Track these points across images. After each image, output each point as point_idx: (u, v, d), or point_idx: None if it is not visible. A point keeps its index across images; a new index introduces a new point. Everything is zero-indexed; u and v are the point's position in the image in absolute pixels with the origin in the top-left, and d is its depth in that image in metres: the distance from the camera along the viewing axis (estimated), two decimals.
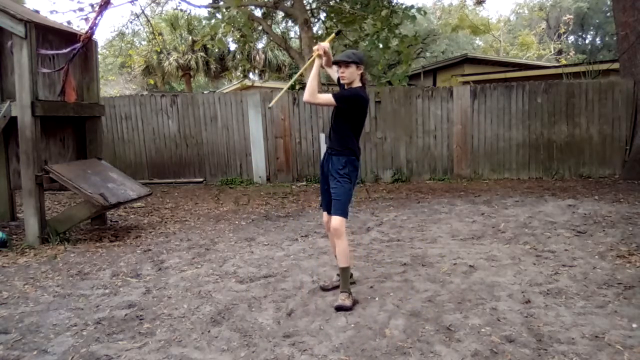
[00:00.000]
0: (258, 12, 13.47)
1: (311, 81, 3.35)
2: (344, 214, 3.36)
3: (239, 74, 24.43)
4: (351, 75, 3.35)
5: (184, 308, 3.37)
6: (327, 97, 3.34)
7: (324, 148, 9.60)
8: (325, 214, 3.65)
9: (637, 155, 8.67)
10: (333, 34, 4.04)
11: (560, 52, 28.75)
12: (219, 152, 9.92)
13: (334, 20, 10.81)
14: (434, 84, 15.85)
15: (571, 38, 33.61)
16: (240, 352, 2.72)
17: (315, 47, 3.44)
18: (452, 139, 9.43)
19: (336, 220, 3.34)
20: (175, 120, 9.92)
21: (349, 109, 3.35)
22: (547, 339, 2.74)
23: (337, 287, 3.52)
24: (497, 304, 3.27)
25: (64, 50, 5.18)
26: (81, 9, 9.05)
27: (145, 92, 20.20)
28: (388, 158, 9.47)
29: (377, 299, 3.43)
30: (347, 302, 3.26)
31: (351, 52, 3.45)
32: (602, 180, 8.67)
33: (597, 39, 33.40)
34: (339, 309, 3.22)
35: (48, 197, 7.81)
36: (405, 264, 4.22)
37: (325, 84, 17.34)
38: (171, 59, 22.86)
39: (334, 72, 3.57)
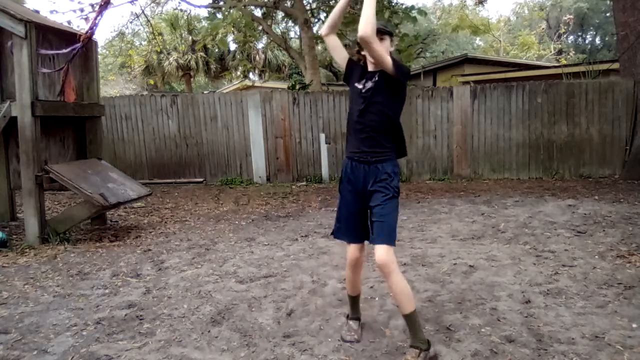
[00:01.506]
0: (258, 12, 13.48)
1: (368, 10, 2.36)
2: (391, 240, 2.48)
3: (239, 74, 24.46)
4: (386, 53, 2.50)
5: (184, 308, 3.37)
6: (386, 54, 2.46)
7: (324, 148, 9.66)
8: (353, 246, 2.72)
9: (637, 155, 8.66)
10: None
11: (560, 52, 28.77)
12: (219, 152, 9.92)
13: None
14: (434, 84, 15.85)
15: (571, 38, 33.63)
16: (240, 352, 2.72)
17: None
18: (452, 139, 9.43)
19: (382, 252, 2.43)
20: (175, 121, 9.92)
21: (401, 87, 2.55)
22: (547, 339, 2.74)
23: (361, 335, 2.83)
24: (497, 304, 3.27)
25: (64, 50, 5.18)
26: (81, 9, 9.06)
27: (145, 92, 20.22)
28: None
29: (377, 299, 3.43)
30: None
31: (382, 22, 2.61)
32: (602, 180, 8.66)
33: (597, 39, 33.41)
34: None
35: (48, 197, 7.81)
36: (405, 264, 4.22)
37: (325, 84, 17.34)
38: (171, 59, 22.88)
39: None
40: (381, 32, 2.50)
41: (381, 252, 2.45)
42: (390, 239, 2.48)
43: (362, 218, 2.67)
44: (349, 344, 2.75)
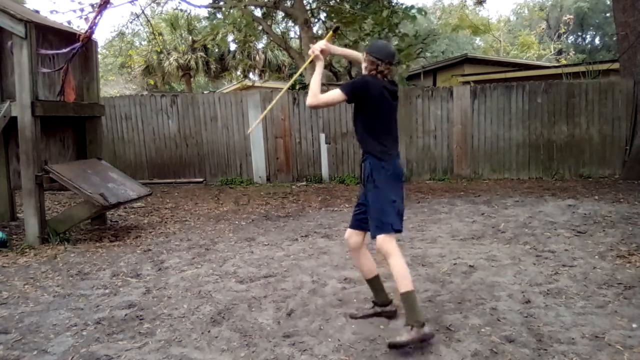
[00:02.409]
0: (258, 12, 13.47)
1: (312, 84, 2.95)
2: (380, 229, 2.81)
3: (239, 74, 24.46)
4: (364, 70, 2.98)
5: (184, 308, 3.37)
6: (332, 92, 2.89)
7: (324, 148, 9.66)
8: (348, 230, 3.17)
9: (637, 155, 8.66)
10: (330, 32, 3.40)
11: (560, 52, 28.78)
12: (219, 152, 9.92)
13: (334, 20, 10.83)
14: (434, 84, 15.84)
15: (571, 38, 33.63)
16: (240, 352, 2.72)
17: (310, 51, 3.08)
18: (452, 139, 9.43)
19: (378, 242, 2.83)
20: (175, 120, 9.92)
21: (355, 100, 2.90)
22: (547, 339, 2.74)
23: (368, 316, 3.12)
24: (497, 304, 3.27)
25: (64, 50, 5.18)
26: (81, 9, 9.07)
27: (145, 92, 20.21)
28: None
29: None
30: (403, 338, 2.64)
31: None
32: (602, 180, 8.66)
33: (597, 39, 33.41)
34: (392, 346, 2.64)
35: (48, 197, 7.81)
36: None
37: (325, 84, 17.32)
38: (171, 59, 22.85)
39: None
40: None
41: (377, 242, 2.85)
42: (378, 229, 2.83)
43: (358, 209, 3.08)
44: (349, 344, 2.75)
